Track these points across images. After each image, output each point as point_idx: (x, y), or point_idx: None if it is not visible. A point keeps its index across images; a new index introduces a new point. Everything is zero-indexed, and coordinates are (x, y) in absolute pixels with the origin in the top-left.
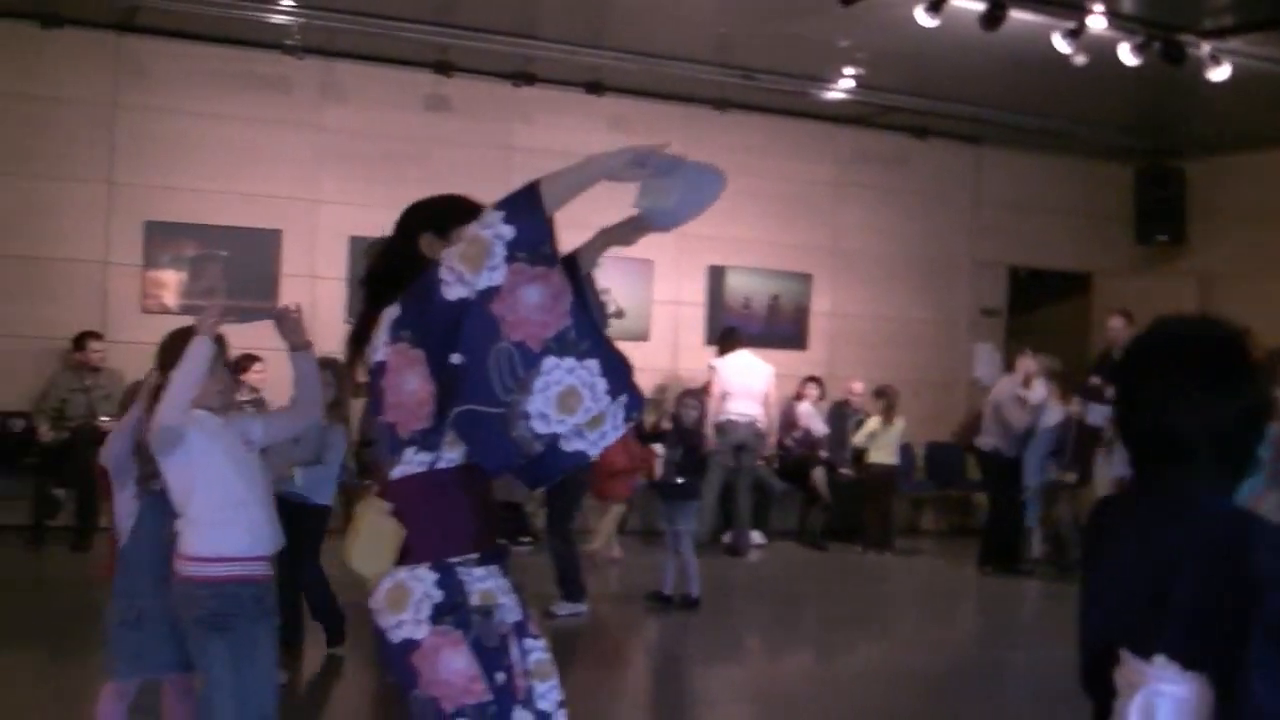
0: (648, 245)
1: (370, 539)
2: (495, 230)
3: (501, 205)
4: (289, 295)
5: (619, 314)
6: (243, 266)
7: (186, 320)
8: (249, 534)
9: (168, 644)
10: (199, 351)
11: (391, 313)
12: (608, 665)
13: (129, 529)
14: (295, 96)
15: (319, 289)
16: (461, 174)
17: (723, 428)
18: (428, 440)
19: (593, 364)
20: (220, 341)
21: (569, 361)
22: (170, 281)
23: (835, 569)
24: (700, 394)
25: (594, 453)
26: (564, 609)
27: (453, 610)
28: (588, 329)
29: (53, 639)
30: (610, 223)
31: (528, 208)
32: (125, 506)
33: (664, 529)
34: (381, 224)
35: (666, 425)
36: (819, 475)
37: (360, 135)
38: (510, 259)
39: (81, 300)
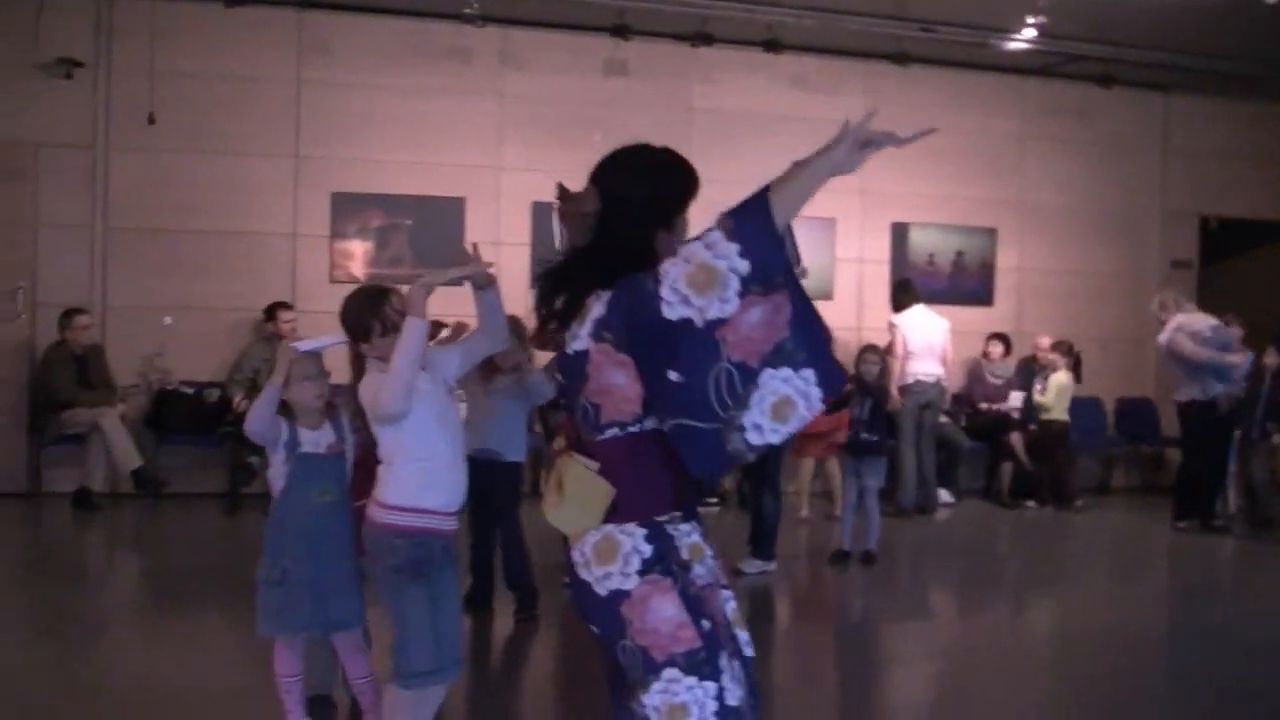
0: (831, 203)
1: (577, 498)
2: (730, 263)
3: (735, 234)
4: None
5: (803, 274)
6: (427, 234)
7: None
8: (447, 490)
9: (306, 605)
10: (415, 335)
11: (597, 310)
12: (794, 622)
13: (280, 490)
14: (475, 65)
15: (503, 255)
16: (642, 137)
17: (909, 389)
18: (630, 425)
19: (809, 374)
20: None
21: (785, 371)
22: (357, 251)
23: (1025, 527)
24: (881, 350)
25: (778, 440)
26: (753, 566)
27: (661, 561)
28: (804, 338)
29: (247, 599)
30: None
31: (761, 234)
32: (276, 469)
33: (847, 485)
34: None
35: (848, 386)
36: (1015, 437)
37: (540, 101)
38: (744, 294)
39: (272, 272)
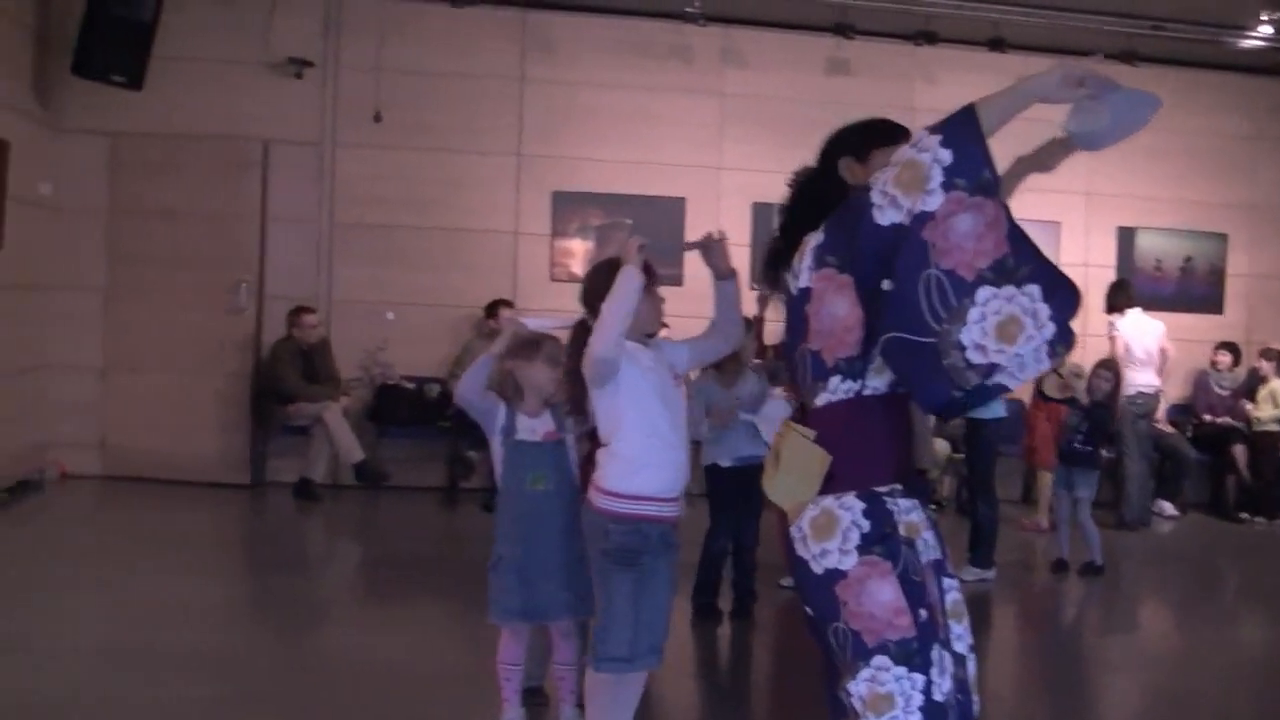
0: (1055, 206)
1: (794, 466)
2: (934, 154)
3: (937, 129)
4: (694, 262)
5: None
6: (647, 234)
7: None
8: (667, 474)
9: (517, 592)
10: (629, 283)
11: (815, 239)
12: (1011, 630)
13: (500, 475)
14: (696, 64)
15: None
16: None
17: (1129, 400)
18: (853, 368)
19: (1033, 289)
20: (649, 272)
21: (1008, 289)
22: (577, 250)
23: (1247, 541)
24: (1114, 364)
25: (1014, 385)
26: (971, 574)
27: (881, 540)
28: (1027, 255)
29: (463, 589)
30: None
31: (965, 132)
32: (496, 454)
33: (1059, 496)
34: (784, 190)
35: (1081, 397)
36: (1239, 449)
37: (761, 100)
38: (948, 186)
39: (493, 269)
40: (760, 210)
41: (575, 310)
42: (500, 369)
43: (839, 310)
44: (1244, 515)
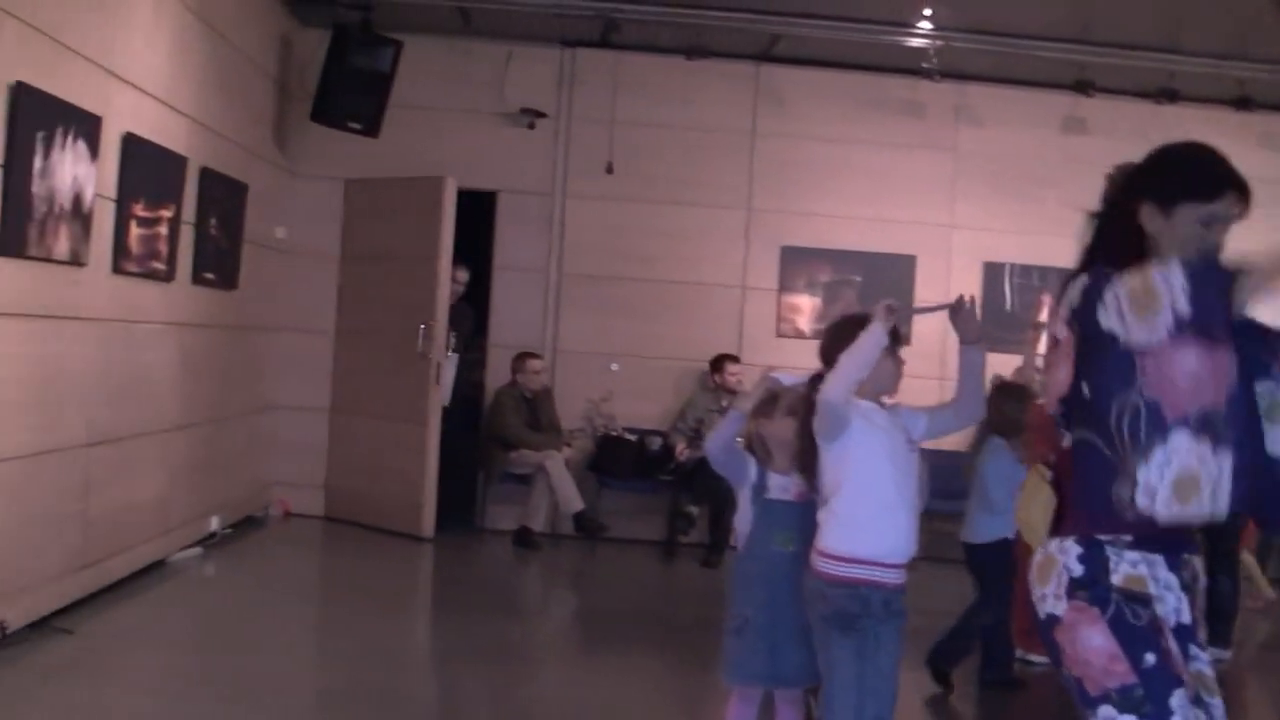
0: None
1: (1027, 504)
2: (1172, 297)
3: (1189, 268)
4: (922, 321)
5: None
6: (876, 291)
7: (817, 344)
8: (890, 538)
9: (761, 656)
10: (872, 338)
11: (1075, 289)
12: (1252, 714)
13: (744, 535)
14: (929, 121)
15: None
16: (1098, 197)
17: None
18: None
19: (1226, 462)
20: (895, 336)
21: (1203, 449)
22: (804, 306)
23: None
24: None
25: (1166, 516)
26: (1208, 654)
27: (1088, 586)
28: (1236, 417)
29: (678, 642)
30: None
31: (1213, 286)
32: (744, 511)
33: None
34: (1015, 249)
35: None
36: None
37: (994, 158)
38: (1177, 333)
39: (719, 324)
40: (991, 270)
41: (810, 367)
42: (750, 426)
43: (1060, 373)
44: None
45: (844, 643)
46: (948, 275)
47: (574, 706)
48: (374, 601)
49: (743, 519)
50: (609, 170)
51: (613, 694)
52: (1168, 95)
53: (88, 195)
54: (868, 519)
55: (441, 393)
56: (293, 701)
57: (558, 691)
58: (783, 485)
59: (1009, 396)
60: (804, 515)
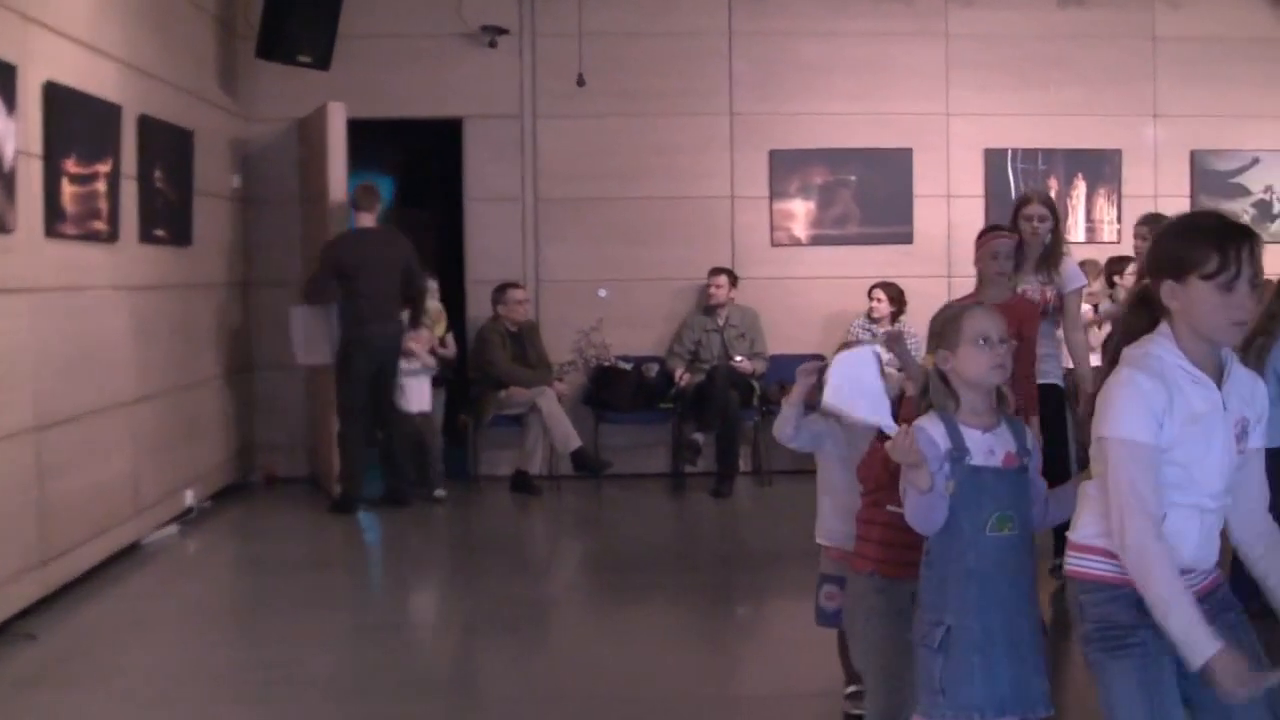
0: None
1: None
2: None
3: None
4: (923, 218)
5: None
6: (873, 190)
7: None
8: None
9: (986, 678)
10: None
11: None
12: None
13: (934, 519)
14: (917, 5)
15: (955, 208)
16: (1103, 72)
17: None
18: None
19: None
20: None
21: None
22: (799, 212)
23: None
24: None
25: None
26: None
27: None
28: None
29: (698, 587)
30: None
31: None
32: (935, 491)
33: None
34: (1017, 134)
35: None
36: None
37: (989, 40)
38: None
39: (710, 237)
40: (992, 157)
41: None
42: (927, 360)
43: None
44: None
45: (1120, 667)
46: (947, 166)
47: (597, 668)
48: (371, 570)
49: (932, 500)
50: (580, 84)
51: (637, 650)
52: None
53: (7, 153)
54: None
55: (294, 348)
56: (298, 693)
57: (578, 654)
58: (987, 446)
59: None
60: (1017, 486)
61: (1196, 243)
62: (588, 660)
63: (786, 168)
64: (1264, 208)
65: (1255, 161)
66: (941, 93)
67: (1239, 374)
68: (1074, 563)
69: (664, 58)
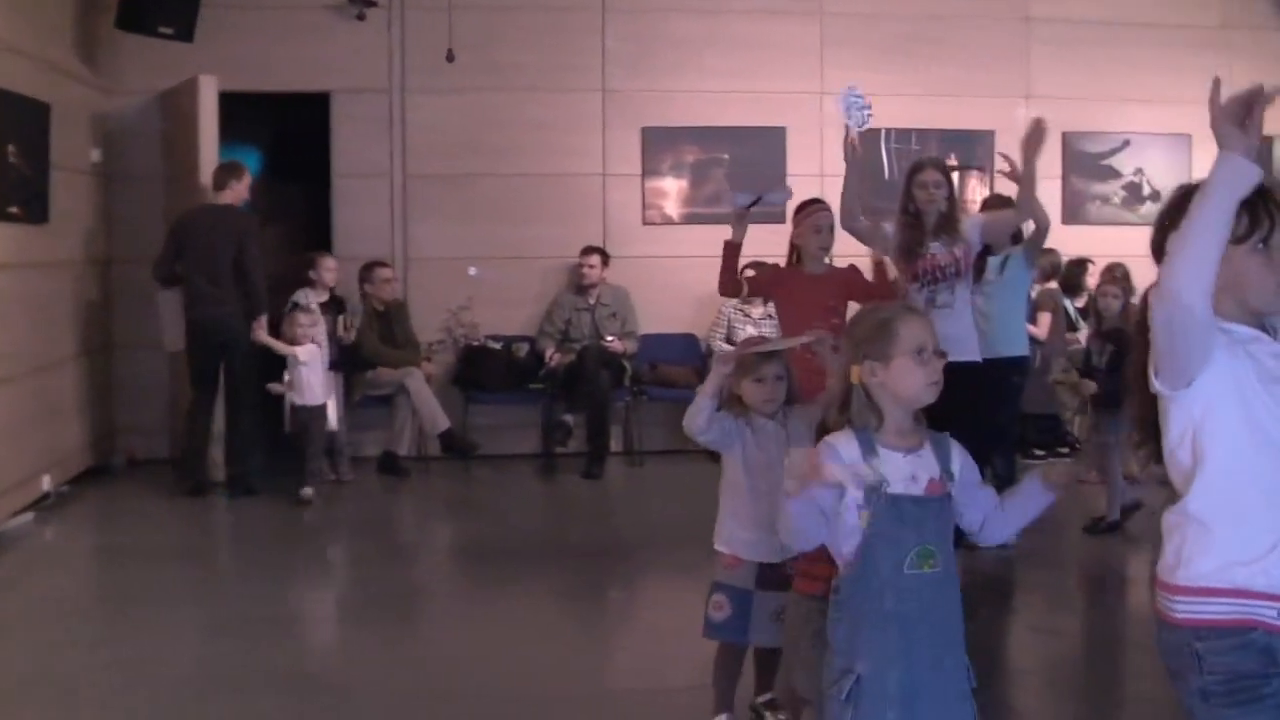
0: (1186, 119)
1: None
2: None
3: None
4: (796, 195)
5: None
6: (747, 168)
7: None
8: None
9: None
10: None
11: None
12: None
13: (849, 552)
14: None
15: (829, 187)
16: (977, 53)
17: None
18: None
19: None
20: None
21: None
22: (671, 190)
23: None
24: (1124, 279)
25: None
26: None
27: None
28: None
29: (573, 569)
30: None
31: None
32: (847, 521)
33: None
34: (891, 114)
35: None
36: None
37: (865, 19)
38: None
39: (582, 216)
40: (866, 137)
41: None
42: (854, 373)
43: None
44: None
45: None
46: (820, 146)
47: (469, 662)
48: (235, 559)
49: (844, 529)
50: (450, 59)
51: (512, 634)
52: None
53: None
54: (1256, 520)
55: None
56: (157, 693)
57: (449, 647)
58: (909, 470)
59: None
60: (941, 517)
61: None
62: (458, 654)
63: (659, 145)
64: (1134, 190)
65: (1126, 144)
66: (816, 71)
67: None
68: (1184, 608)
69: (536, 32)
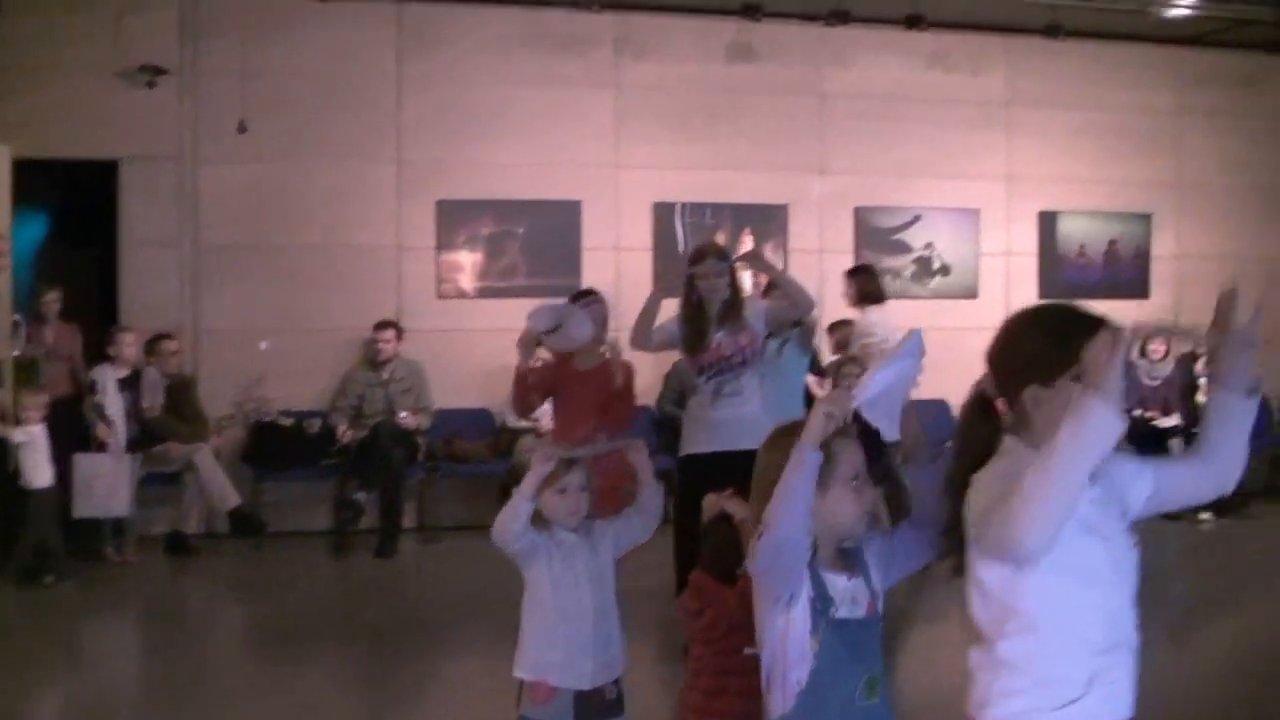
0: (975, 193)
1: None
2: None
3: None
4: (592, 270)
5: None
6: (542, 241)
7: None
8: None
9: None
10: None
11: None
12: None
13: (795, 680)
14: (589, 56)
15: (624, 261)
16: (771, 127)
17: None
18: None
19: None
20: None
21: None
22: (466, 263)
23: (1205, 543)
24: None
25: None
26: None
27: None
28: None
29: (361, 649)
30: None
31: None
32: (796, 645)
33: None
34: (685, 188)
35: None
36: (1176, 443)
37: (661, 92)
38: None
39: (376, 288)
40: (661, 210)
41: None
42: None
43: None
44: (1205, 515)
45: None
46: (617, 219)
47: None
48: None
49: (793, 649)
50: (242, 129)
51: (301, 718)
52: (838, 16)
53: None
54: (1065, 665)
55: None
56: None
57: None
58: (851, 594)
59: None
60: (877, 639)
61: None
62: None
63: (454, 218)
64: (924, 264)
65: (916, 219)
66: (612, 144)
67: None
68: None
69: (330, 101)
